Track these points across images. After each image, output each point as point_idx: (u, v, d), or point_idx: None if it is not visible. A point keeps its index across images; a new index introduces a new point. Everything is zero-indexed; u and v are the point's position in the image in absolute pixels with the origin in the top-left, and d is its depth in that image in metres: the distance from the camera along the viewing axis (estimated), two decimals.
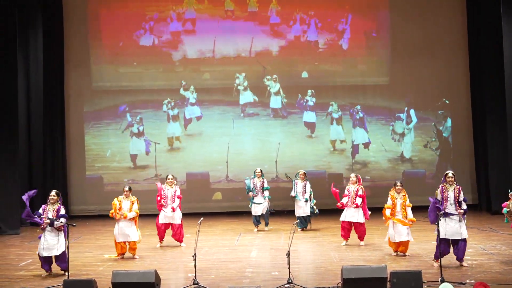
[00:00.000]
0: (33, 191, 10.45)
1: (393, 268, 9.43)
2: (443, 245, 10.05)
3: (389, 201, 11.15)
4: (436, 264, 10.15)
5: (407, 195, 11.17)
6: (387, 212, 11.12)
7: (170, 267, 10.88)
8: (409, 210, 11.05)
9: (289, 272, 9.22)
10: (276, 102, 17.52)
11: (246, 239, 13.41)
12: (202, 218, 10.21)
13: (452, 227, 10.15)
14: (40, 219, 10.22)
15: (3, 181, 14.77)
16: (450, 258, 10.55)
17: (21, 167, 15.38)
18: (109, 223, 12.48)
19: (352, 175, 12.52)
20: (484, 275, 9.57)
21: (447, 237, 10.13)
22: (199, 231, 9.65)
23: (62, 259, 10.17)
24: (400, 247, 11.14)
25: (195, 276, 9.32)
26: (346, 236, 12.31)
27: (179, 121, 17.46)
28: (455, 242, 10.27)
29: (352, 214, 12.21)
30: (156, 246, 12.54)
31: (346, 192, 12.42)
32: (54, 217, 10.13)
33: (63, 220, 10.21)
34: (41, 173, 16.36)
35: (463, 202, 10.29)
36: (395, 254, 11.18)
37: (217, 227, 15.03)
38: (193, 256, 9.37)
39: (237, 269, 10.49)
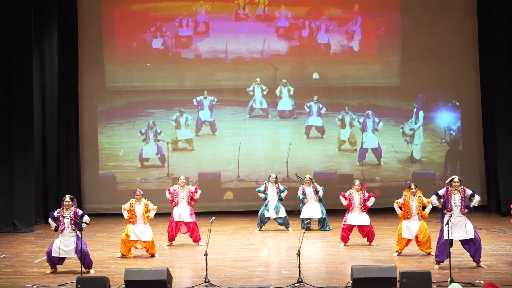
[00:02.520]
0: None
1: (403, 268, 9.50)
2: (448, 247, 10.02)
3: (401, 199, 11.24)
4: (436, 267, 10.20)
5: (422, 196, 11.21)
6: (397, 208, 11.26)
7: (181, 265, 11.01)
8: (427, 208, 11.12)
9: (299, 271, 9.29)
10: (286, 104, 17.62)
11: (257, 238, 13.52)
12: (213, 217, 10.29)
13: (459, 227, 10.17)
14: (58, 223, 10.41)
15: (18, 179, 14.96)
16: (459, 258, 10.60)
17: (35, 166, 15.56)
18: (122, 221, 12.63)
19: (357, 182, 12.39)
20: (494, 275, 9.61)
21: (451, 238, 10.10)
22: (210, 230, 9.78)
23: (86, 257, 10.32)
24: (424, 248, 11.18)
25: (206, 274, 9.43)
26: (346, 239, 12.32)
27: (190, 127, 17.60)
28: (466, 244, 10.28)
29: (358, 218, 12.21)
30: (163, 245, 12.58)
31: (347, 194, 12.35)
32: (79, 218, 10.31)
33: (87, 217, 10.43)
34: (55, 172, 16.55)
35: (474, 196, 10.28)
36: (396, 254, 11.22)
37: (228, 226, 15.15)
38: (204, 255, 9.49)
39: (247, 267, 10.59)
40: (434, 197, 10.48)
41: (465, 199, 10.25)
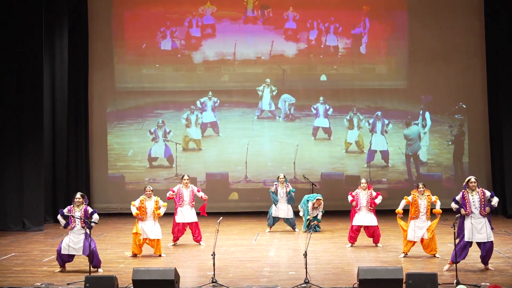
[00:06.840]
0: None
1: (409, 270, 9.54)
2: (467, 249, 10.07)
3: (410, 197, 11.25)
4: (447, 266, 10.21)
5: (431, 194, 11.24)
6: (402, 203, 11.34)
7: (189, 265, 11.09)
8: (437, 205, 11.17)
9: (306, 272, 9.36)
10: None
11: (264, 239, 13.57)
12: (221, 218, 10.37)
13: (478, 229, 10.14)
14: (69, 221, 10.51)
15: (28, 178, 15.10)
16: (466, 261, 10.59)
17: (45, 166, 15.70)
18: (131, 221, 12.74)
19: (363, 180, 12.41)
20: (500, 278, 9.63)
21: (472, 240, 10.12)
22: (218, 230, 9.84)
23: (95, 256, 10.41)
24: (428, 249, 11.20)
25: (214, 274, 9.50)
26: (354, 239, 12.34)
27: (198, 127, 17.70)
28: (480, 245, 10.27)
29: (365, 218, 12.23)
30: (168, 245, 12.62)
31: (354, 194, 12.33)
32: (89, 219, 10.42)
33: (96, 216, 10.55)
34: (65, 172, 16.67)
35: (493, 197, 10.26)
36: (403, 255, 11.25)
37: (236, 227, 15.21)
38: (212, 255, 9.57)
39: (254, 268, 10.64)
40: (453, 204, 10.41)
41: (485, 200, 10.19)
